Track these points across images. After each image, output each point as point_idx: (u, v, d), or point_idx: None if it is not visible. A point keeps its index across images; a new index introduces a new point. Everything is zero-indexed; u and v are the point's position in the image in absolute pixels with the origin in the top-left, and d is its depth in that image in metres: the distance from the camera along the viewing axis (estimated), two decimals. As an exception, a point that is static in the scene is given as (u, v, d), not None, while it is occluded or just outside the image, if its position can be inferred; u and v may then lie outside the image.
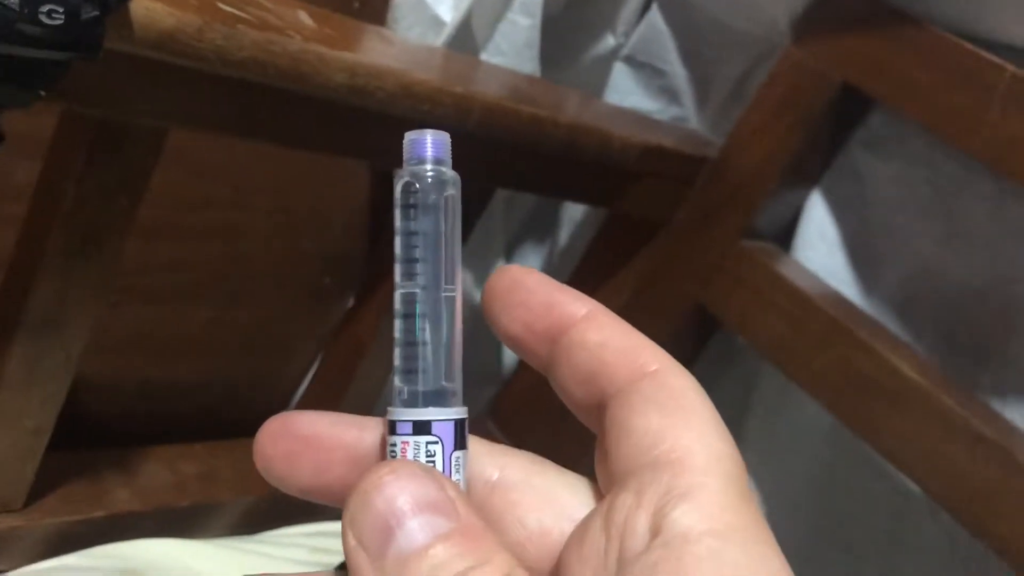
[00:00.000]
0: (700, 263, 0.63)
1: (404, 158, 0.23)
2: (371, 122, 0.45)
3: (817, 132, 0.60)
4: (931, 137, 0.58)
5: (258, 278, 0.63)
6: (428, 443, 0.22)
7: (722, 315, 0.63)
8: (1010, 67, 0.51)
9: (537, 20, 0.62)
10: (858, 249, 0.62)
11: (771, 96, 0.60)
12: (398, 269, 0.23)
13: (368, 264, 0.63)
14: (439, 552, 0.20)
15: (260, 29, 0.38)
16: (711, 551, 0.20)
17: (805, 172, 0.62)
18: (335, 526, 0.60)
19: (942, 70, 0.54)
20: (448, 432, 0.22)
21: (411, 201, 0.22)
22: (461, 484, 0.22)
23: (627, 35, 0.70)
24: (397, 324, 0.23)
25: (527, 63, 0.62)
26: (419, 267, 0.22)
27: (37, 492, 0.49)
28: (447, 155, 0.23)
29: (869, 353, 0.56)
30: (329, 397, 0.59)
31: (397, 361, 0.23)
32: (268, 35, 0.38)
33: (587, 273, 0.70)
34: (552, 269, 0.78)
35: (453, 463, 0.22)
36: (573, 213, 0.76)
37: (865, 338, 0.56)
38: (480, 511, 0.23)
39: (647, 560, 0.20)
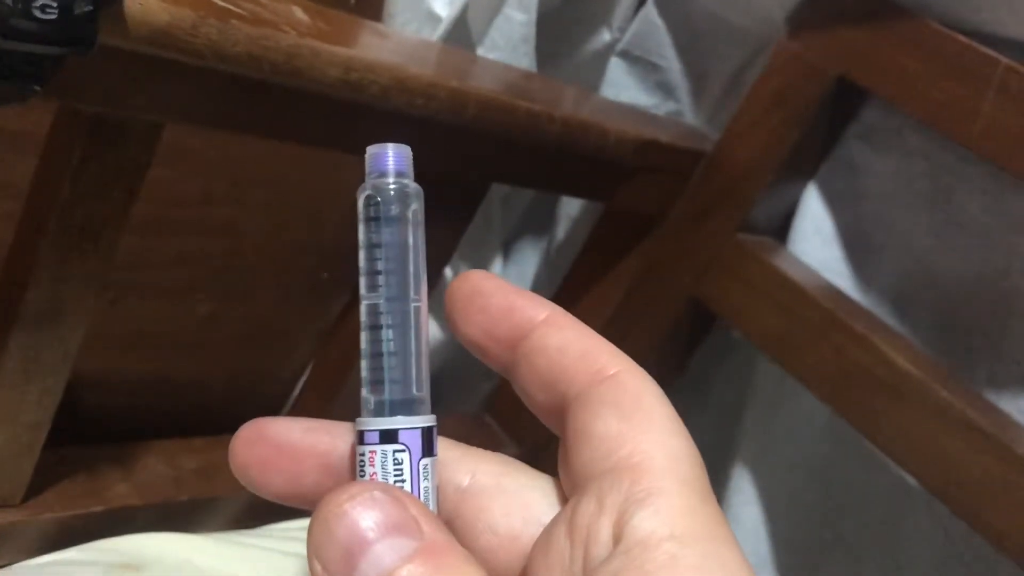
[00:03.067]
0: (696, 257, 0.63)
1: (366, 172, 0.23)
2: (366, 116, 0.45)
3: (812, 126, 0.60)
4: (926, 130, 0.58)
5: (256, 273, 0.63)
6: (395, 451, 0.22)
7: (718, 309, 0.63)
8: (1004, 59, 0.52)
9: (533, 15, 0.62)
10: (854, 242, 0.63)
11: (766, 90, 0.60)
12: (363, 281, 0.23)
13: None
14: (406, 574, 0.20)
15: (254, 24, 0.38)
16: (670, 557, 0.20)
17: (800, 166, 0.62)
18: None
19: (936, 63, 0.54)
20: (415, 440, 0.22)
21: (373, 214, 0.22)
22: (430, 491, 0.23)
23: (622, 30, 0.70)
24: (363, 335, 0.23)
25: (523, 58, 0.63)
26: (382, 279, 0.23)
27: (36, 487, 0.49)
28: (409, 168, 0.23)
29: (865, 345, 0.56)
30: (327, 391, 0.59)
31: (364, 372, 0.23)
32: (262, 30, 0.38)
33: (584, 269, 0.71)
34: (549, 265, 0.79)
35: (420, 470, 0.22)
36: (569, 209, 0.76)
37: (861, 330, 0.56)
38: (446, 523, 0.23)
39: (610, 568, 0.20)
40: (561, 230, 0.77)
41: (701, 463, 0.22)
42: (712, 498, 0.22)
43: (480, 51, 0.62)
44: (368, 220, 0.22)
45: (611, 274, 0.68)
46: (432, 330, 0.78)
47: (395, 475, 0.22)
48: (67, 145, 0.39)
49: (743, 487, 0.67)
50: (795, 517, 0.66)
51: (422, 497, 0.22)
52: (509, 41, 0.62)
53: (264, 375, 0.67)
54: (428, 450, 0.23)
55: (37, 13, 0.28)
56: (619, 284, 0.67)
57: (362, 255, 0.23)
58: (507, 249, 0.80)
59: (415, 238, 0.23)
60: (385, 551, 0.20)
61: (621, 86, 0.70)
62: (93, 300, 0.44)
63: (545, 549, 0.23)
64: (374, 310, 0.23)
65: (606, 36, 0.70)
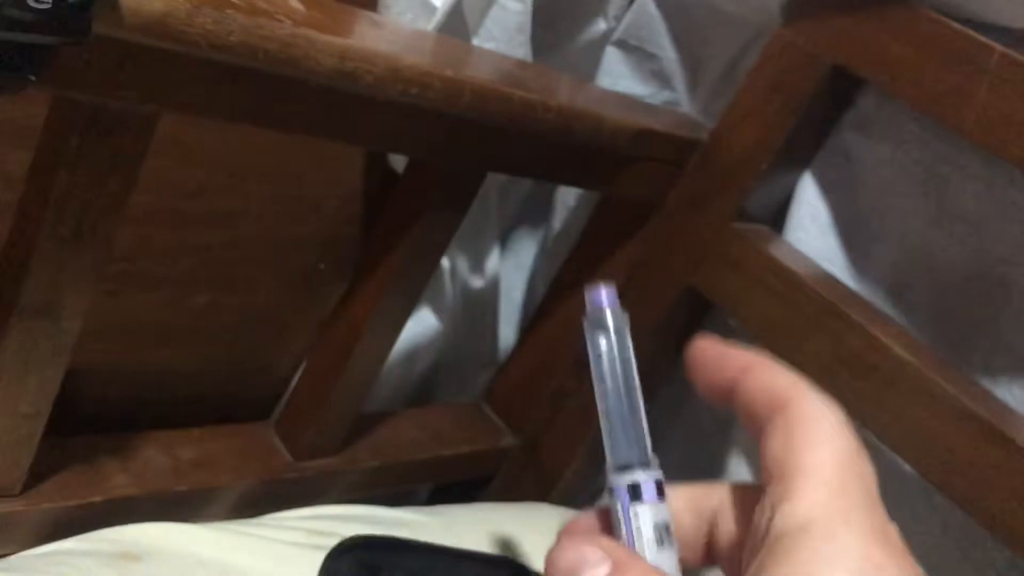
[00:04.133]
0: (692, 246, 0.64)
1: (589, 307, 0.31)
2: (361, 106, 0.45)
3: (807, 114, 0.60)
4: (921, 118, 0.58)
5: (254, 264, 0.63)
6: (613, 500, 0.30)
7: (715, 297, 0.63)
8: (998, 47, 0.52)
9: (528, 5, 0.62)
10: (849, 230, 0.63)
11: (761, 79, 0.61)
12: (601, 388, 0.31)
13: (362, 249, 0.63)
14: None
15: (249, 13, 0.38)
16: (794, 542, 0.26)
17: (796, 154, 0.63)
18: (331, 510, 0.61)
19: (931, 51, 0.54)
20: (622, 493, 0.30)
21: (605, 341, 0.31)
22: (641, 529, 0.29)
23: (618, 19, 0.70)
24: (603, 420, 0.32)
25: (518, 48, 0.63)
26: (616, 380, 0.31)
27: (35, 477, 0.50)
28: (616, 299, 0.31)
29: (860, 333, 0.56)
30: (325, 381, 0.60)
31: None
32: (257, 20, 0.38)
33: (581, 258, 0.71)
34: (547, 255, 0.79)
35: (631, 516, 0.30)
36: (567, 199, 0.76)
37: (856, 319, 0.57)
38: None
39: (762, 552, 0.26)
40: (558, 220, 0.77)
41: (847, 462, 0.27)
42: (850, 493, 0.27)
43: (475, 41, 0.62)
44: (596, 342, 0.31)
45: (608, 263, 0.68)
46: (430, 320, 0.78)
47: (620, 520, 0.30)
48: (63, 135, 0.39)
49: (741, 473, 0.67)
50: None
51: (632, 536, 0.29)
52: (504, 31, 0.62)
53: (262, 365, 0.67)
54: (636, 497, 0.30)
55: (31, 2, 0.28)
56: (616, 273, 0.67)
57: (595, 366, 0.31)
58: (505, 239, 0.80)
59: (628, 343, 0.31)
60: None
61: (617, 75, 0.70)
62: (91, 290, 0.44)
63: (748, 541, 0.29)
64: (608, 403, 0.31)
65: (602, 25, 0.70)
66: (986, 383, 0.57)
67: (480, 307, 0.79)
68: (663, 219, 0.65)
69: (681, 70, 0.69)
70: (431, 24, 0.58)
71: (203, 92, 0.40)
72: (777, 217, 0.65)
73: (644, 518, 0.29)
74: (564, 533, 0.31)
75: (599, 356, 0.30)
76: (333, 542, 0.48)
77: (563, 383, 0.71)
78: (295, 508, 0.58)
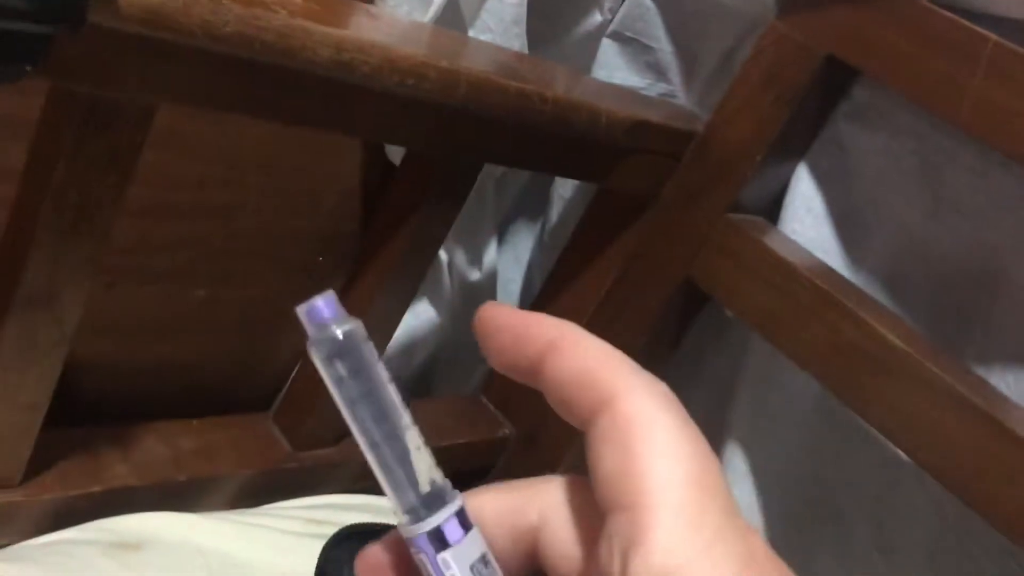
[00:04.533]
0: (688, 237, 0.64)
1: (307, 330, 0.24)
2: (358, 97, 0.45)
3: (802, 105, 0.60)
4: (916, 108, 0.58)
5: (252, 257, 0.64)
6: (416, 554, 0.25)
7: (710, 288, 0.64)
8: (992, 36, 0.52)
9: (524, -3, 0.62)
10: (844, 221, 0.63)
11: (755, 70, 0.61)
12: (353, 426, 0.24)
13: (361, 242, 0.63)
14: None
15: (246, 4, 0.38)
16: None
17: (791, 145, 0.63)
18: (330, 499, 0.61)
19: (925, 40, 0.54)
20: (424, 543, 0.25)
21: (337, 369, 0.24)
22: (455, 571, 0.24)
23: (613, 11, 0.70)
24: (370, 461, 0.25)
25: (514, 40, 0.63)
26: (369, 421, 0.24)
27: (35, 468, 0.50)
28: (341, 308, 0.24)
29: (856, 323, 0.56)
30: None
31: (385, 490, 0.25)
32: (254, 10, 0.38)
33: (577, 250, 0.71)
34: (543, 247, 0.79)
35: (441, 565, 0.25)
36: (563, 191, 0.76)
37: (852, 308, 0.57)
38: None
39: None
40: (555, 212, 0.77)
41: (699, 477, 0.23)
42: (712, 509, 0.22)
43: (471, 33, 0.63)
44: (331, 367, 0.24)
45: (604, 255, 0.68)
46: (428, 313, 0.78)
47: (431, 573, 0.25)
48: (60, 127, 0.40)
49: (736, 463, 0.67)
50: (788, 493, 0.66)
51: None
52: (500, 23, 0.62)
53: (261, 358, 0.67)
54: (442, 545, 0.25)
55: (27, -9, 0.28)
56: (612, 265, 0.67)
57: (342, 404, 0.24)
58: (502, 231, 0.80)
59: (378, 367, 0.24)
60: None
61: (612, 67, 0.70)
62: (89, 282, 0.45)
63: None
64: (367, 439, 0.24)
65: (597, 18, 0.70)
66: (981, 372, 0.57)
67: (478, 300, 0.79)
68: (659, 211, 0.65)
69: (677, 62, 0.69)
70: (427, 16, 0.59)
71: (200, 83, 0.41)
72: (772, 208, 0.65)
73: (456, 563, 0.25)
74: None
75: (339, 385, 0.24)
76: (331, 531, 0.48)
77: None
78: (294, 498, 0.58)
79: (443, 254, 0.76)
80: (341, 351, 0.24)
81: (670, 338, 0.69)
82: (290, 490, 0.59)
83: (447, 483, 0.25)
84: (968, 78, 0.52)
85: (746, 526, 0.23)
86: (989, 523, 0.52)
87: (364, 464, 0.27)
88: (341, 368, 0.24)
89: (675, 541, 0.22)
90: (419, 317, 0.77)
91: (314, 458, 0.61)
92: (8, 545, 0.48)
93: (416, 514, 0.24)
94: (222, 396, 0.65)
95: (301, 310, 0.24)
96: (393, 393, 0.25)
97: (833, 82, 0.61)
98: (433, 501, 0.25)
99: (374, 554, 0.27)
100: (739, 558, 0.22)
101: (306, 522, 0.53)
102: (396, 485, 0.25)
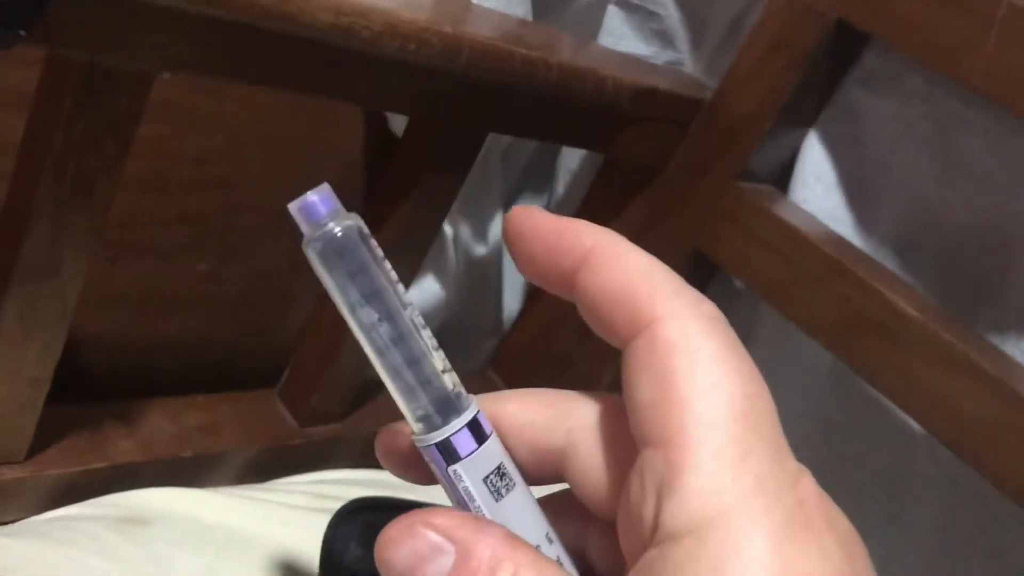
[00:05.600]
0: (696, 206, 0.63)
1: (303, 227, 0.22)
2: (358, 63, 0.45)
3: (812, 71, 0.59)
4: (928, 72, 0.57)
5: (255, 231, 0.63)
6: (430, 463, 0.24)
7: (719, 258, 0.63)
8: (1006, -3, 0.51)
9: (528, -36, 0.61)
10: (855, 188, 0.62)
11: (764, 36, 0.60)
12: (352, 322, 0.23)
13: (363, 215, 0.63)
14: None
15: (243, -32, 0.37)
16: (689, 556, 0.19)
17: (800, 112, 0.62)
18: (336, 474, 0.61)
19: (938, 3, 0.53)
20: (434, 454, 0.23)
21: (335, 264, 0.22)
22: (470, 488, 0.23)
23: (619, -22, 0.69)
24: (375, 363, 0.23)
25: (518, 7, 0.62)
26: (372, 314, 0.22)
27: (39, 444, 0.49)
28: (337, 201, 0.23)
29: (867, 291, 0.56)
30: (327, 348, 0.59)
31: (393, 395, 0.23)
32: (251, -26, 0.38)
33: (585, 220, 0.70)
34: (550, 219, 0.78)
35: (453, 478, 0.23)
36: (570, 162, 0.76)
37: (863, 277, 0.56)
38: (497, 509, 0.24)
39: (648, 558, 0.20)
40: (561, 184, 0.76)
41: (744, 413, 0.21)
42: (758, 451, 0.21)
43: (476, 1, 0.62)
44: (331, 267, 0.22)
45: (612, 226, 0.66)
46: (434, 288, 0.77)
47: (444, 483, 0.23)
48: (57, 96, 0.39)
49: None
50: (801, 459, 0.66)
51: (463, 499, 0.23)
52: (505, -10, 0.61)
53: (266, 332, 0.67)
54: (453, 458, 0.23)
55: (18, -49, 0.28)
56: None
57: (344, 309, 0.22)
58: (508, 203, 0.79)
59: (382, 266, 0.23)
60: None
61: (619, 35, 0.69)
62: (90, 255, 0.44)
63: (623, 512, 0.22)
64: (372, 345, 0.23)
65: (603, -15, 0.69)
66: (994, 338, 0.57)
67: (484, 274, 0.79)
68: (666, 181, 0.65)
69: (684, 29, 0.68)
70: (429, -17, 0.58)
71: (197, 49, 0.40)
72: (782, 177, 0.64)
73: (469, 476, 0.23)
74: (396, 521, 0.23)
75: (339, 287, 0.22)
76: (338, 505, 0.48)
77: (567, 348, 0.71)
78: (300, 474, 0.58)
79: (448, 228, 0.75)
80: (340, 249, 0.22)
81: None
82: (296, 466, 0.59)
83: (461, 389, 0.23)
84: (981, 40, 0.51)
85: (798, 469, 0.21)
86: (1002, 493, 0.52)
87: (370, 440, 0.26)
88: (340, 268, 0.22)
89: (715, 486, 0.20)
90: (424, 292, 0.76)
91: (320, 434, 0.61)
92: (12, 522, 0.48)
93: (428, 423, 0.23)
94: (227, 372, 0.65)
95: (294, 207, 0.22)
96: (400, 293, 0.23)
97: (843, 47, 0.60)
98: (445, 409, 0.23)
99: (393, 437, 0.25)
100: (786, 509, 0.20)
101: (312, 497, 0.53)
102: (405, 393, 0.23)
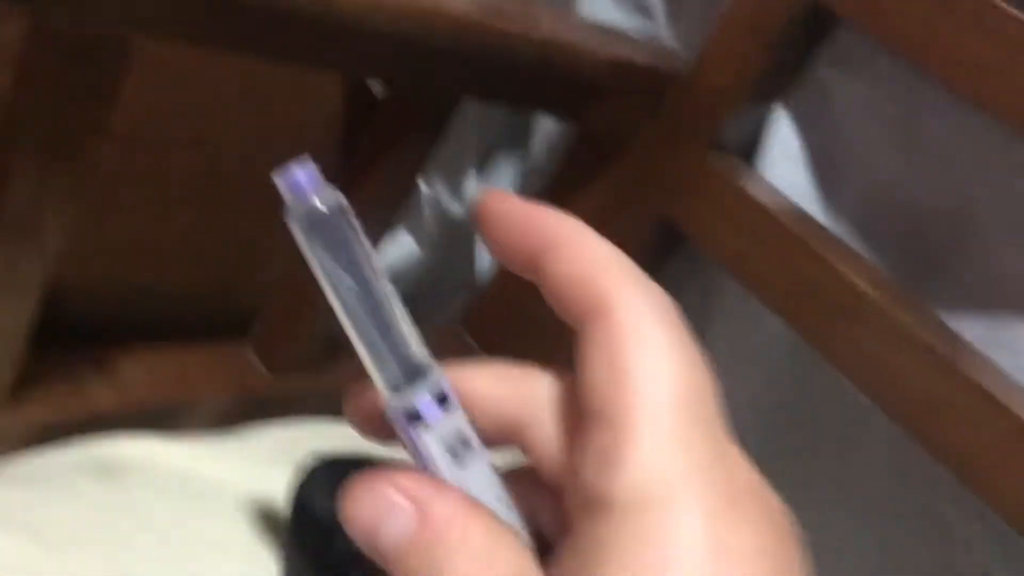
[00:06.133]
0: (666, 177, 0.65)
1: (287, 198, 0.23)
2: (338, 34, 0.45)
3: (784, 50, 0.61)
4: (895, 56, 0.59)
5: (234, 187, 0.64)
6: (397, 427, 0.25)
7: (687, 228, 0.64)
8: (972, -13, 0.52)
9: (510, -69, 0.62)
10: (821, 165, 0.64)
11: (739, 13, 0.61)
12: (331, 295, 0.24)
13: (342, 172, 0.64)
14: (408, 550, 0.23)
15: (224, -62, 0.38)
16: (626, 530, 0.21)
17: (772, 89, 0.63)
18: (307, 425, 0.62)
19: (905, -11, 0.54)
20: (399, 416, 0.24)
21: (317, 238, 0.23)
22: (431, 450, 0.24)
23: (601, -52, 0.69)
24: (349, 332, 0.24)
25: (499, -25, 0.62)
26: (349, 287, 0.24)
27: (17, 391, 0.51)
28: (320, 178, 0.24)
29: (825, 267, 0.57)
30: (301, 299, 0.61)
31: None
32: (232, -56, 0.38)
33: (559, 189, 0.72)
34: (525, 184, 0.79)
35: (417, 439, 0.24)
36: (546, 128, 0.77)
37: (822, 252, 0.58)
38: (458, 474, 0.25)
39: (588, 527, 0.22)
40: (537, 149, 0.77)
41: (687, 399, 0.22)
42: (699, 435, 0.22)
43: (457, -34, 0.62)
44: (312, 239, 0.23)
45: (584, 194, 0.69)
46: (408, 245, 0.79)
47: (408, 446, 0.25)
48: (40, 59, 0.40)
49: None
50: (757, 430, 0.68)
51: (426, 462, 0.24)
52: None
53: (243, 285, 0.68)
54: (418, 422, 0.24)
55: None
56: (592, 204, 0.68)
57: (322, 278, 0.24)
58: (484, 166, 0.80)
59: (360, 240, 0.24)
60: (387, 537, 0.23)
61: (598, 6, 0.70)
62: (71, 210, 0.45)
63: (571, 482, 0.24)
64: (348, 316, 0.24)
65: (584, -46, 0.69)
66: (948, 318, 0.59)
67: (459, 233, 0.80)
68: (639, 151, 0.66)
69: (661, 2, 0.69)
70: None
71: (177, 18, 0.41)
72: (751, 151, 0.66)
73: (432, 441, 0.24)
74: (361, 478, 0.24)
75: (320, 257, 0.24)
76: (308, 455, 0.49)
77: (539, 308, 0.72)
78: (272, 423, 0.60)
79: (424, 187, 0.76)
80: (322, 223, 0.23)
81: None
82: (267, 415, 0.60)
83: (430, 360, 0.25)
84: (946, 29, 0.53)
85: (736, 455, 0.23)
86: (942, 464, 0.54)
87: (340, 391, 0.28)
88: (320, 239, 0.23)
89: (655, 464, 0.21)
90: (400, 250, 0.78)
91: (291, 384, 0.62)
92: (-9, 467, 0.50)
93: (395, 389, 0.24)
94: (202, 323, 0.66)
95: (279, 178, 0.23)
96: (376, 267, 0.24)
97: (815, 28, 0.61)
98: (413, 376, 0.24)
99: (362, 397, 0.27)
100: (722, 490, 0.21)
101: (284, 446, 0.55)
102: (375, 360, 0.24)
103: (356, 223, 0.24)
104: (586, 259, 0.24)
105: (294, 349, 0.62)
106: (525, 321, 0.73)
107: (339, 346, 0.65)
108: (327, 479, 0.49)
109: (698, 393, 0.23)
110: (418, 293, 0.81)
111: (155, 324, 0.64)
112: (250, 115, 0.62)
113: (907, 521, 0.62)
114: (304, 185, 0.23)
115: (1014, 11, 0.51)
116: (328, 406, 0.65)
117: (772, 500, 0.23)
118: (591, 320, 0.23)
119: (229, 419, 0.60)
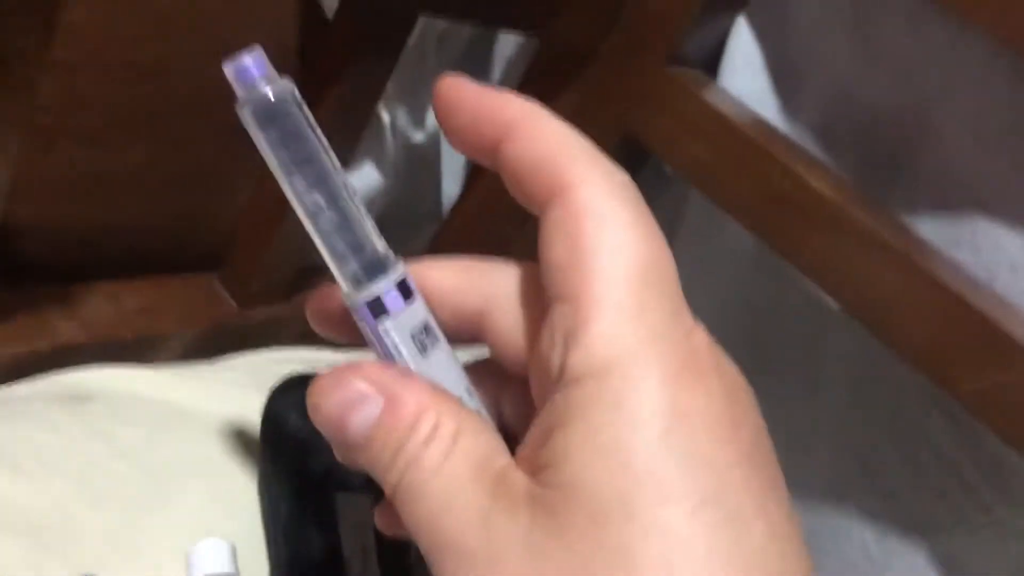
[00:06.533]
0: (628, 91, 0.64)
1: (236, 87, 0.23)
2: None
3: (740, -44, 0.60)
4: (852, -44, 0.58)
5: (191, 116, 0.63)
6: (360, 322, 0.25)
7: (649, 142, 0.64)
8: None
9: None
10: (780, 73, 0.64)
11: (695, -81, 0.60)
12: (285, 183, 0.24)
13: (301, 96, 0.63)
14: (378, 438, 0.23)
15: None
16: (588, 399, 0.22)
17: (729, 0, 0.63)
18: (275, 354, 0.62)
19: None
20: (364, 311, 0.25)
21: (268, 124, 0.23)
22: (398, 344, 0.25)
23: None
24: (307, 225, 0.25)
25: None
26: (305, 176, 0.24)
27: (-20, 327, 0.51)
28: (270, 66, 0.24)
29: (787, 173, 0.58)
30: (266, 230, 0.60)
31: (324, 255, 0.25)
32: None
33: (521, 107, 0.71)
34: (488, 106, 0.79)
35: (382, 334, 0.25)
36: (505, 49, 0.76)
37: (783, 160, 0.58)
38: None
39: (554, 402, 0.22)
40: (498, 71, 0.77)
41: (645, 273, 0.22)
42: (657, 306, 0.22)
43: None
44: (265, 130, 0.23)
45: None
46: (372, 175, 0.78)
47: (373, 340, 0.25)
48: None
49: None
50: (724, 339, 0.69)
51: (391, 354, 0.25)
52: None
53: (207, 216, 0.67)
54: (382, 313, 0.24)
55: None
56: (554, 121, 0.68)
57: (277, 169, 0.24)
58: (445, 91, 0.80)
59: (315, 131, 0.24)
60: (356, 426, 0.23)
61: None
62: (18, 141, 0.44)
63: (535, 363, 0.24)
64: (305, 207, 0.24)
65: None
66: (906, 217, 0.59)
67: (422, 161, 0.80)
68: (599, 66, 0.65)
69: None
70: None
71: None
72: (712, 61, 0.65)
73: (397, 332, 0.24)
74: (328, 372, 0.24)
75: (274, 148, 0.23)
76: (274, 382, 0.49)
77: (506, 232, 0.72)
78: (238, 354, 0.60)
79: (385, 115, 0.75)
80: (273, 112, 0.23)
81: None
82: (236, 347, 0.60)
83: (389, 252, 0.25)
84: (902, -76, 0.52)
85: (693, 324, 0.23)
86: (901, 359, 0.55)
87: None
88: (274, 130, 0.23)
89: (615, 334, 0.22)
90: (363, 179, 0.77)
91: (260, 315, 0.62)
92: (-43, 401, 0.50)
93: (357, 283, 0.24)
94: (167, 256, 0.66)
95: (228, 67, 0.23)
96: (332, 159, 0.24)
97: (771, -69, 0.60)
98: (375, 270, 0.24)
99: (324, 299, 0.27)
100: (678, 357, 0.22)
101: (252, 374, 0.55)
102: (336, 254, 0.24)
103: (310, 115, 0.24)
104: (544, 140, 0.24)
105: (262, 279, 0.62)
106: (492, 246, 0.73)
107: (307, 274, 0.65)
108: (301, 397, 0.49)
109: (657, 266, 0.23)
110: (383, 222, 0.80)
111: (119, 260, 0.63)
112: (201, 43, 0.61)
113: (874, 420, 0.63)
114: (254, 72, 0.23)
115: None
116: (299, 335, 0.65)
117: (728, 368, 0.24)
118: (551, 201, 0.23)
119: (199, 352, 0.60)
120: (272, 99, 0.23)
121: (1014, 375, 0.50)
